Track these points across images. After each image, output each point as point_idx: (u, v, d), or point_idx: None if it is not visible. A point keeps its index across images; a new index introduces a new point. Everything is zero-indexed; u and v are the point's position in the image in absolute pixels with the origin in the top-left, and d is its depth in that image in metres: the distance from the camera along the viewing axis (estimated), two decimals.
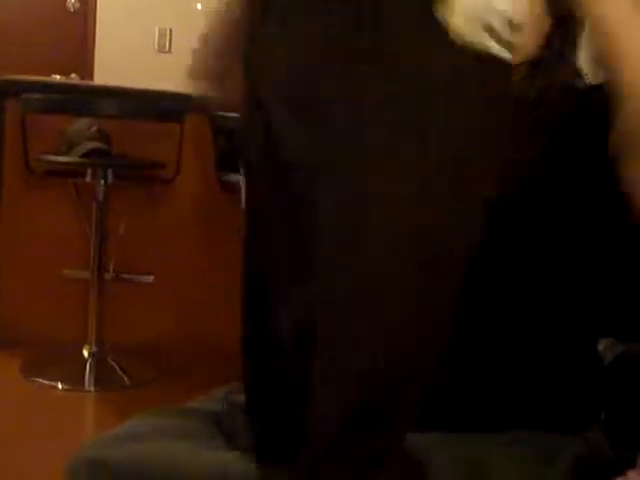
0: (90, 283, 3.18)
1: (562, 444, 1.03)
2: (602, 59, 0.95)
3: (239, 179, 2.86)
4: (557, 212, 1.04)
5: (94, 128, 3.16)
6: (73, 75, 4.78)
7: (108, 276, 3.21)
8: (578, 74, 1.13)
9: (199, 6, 4.87)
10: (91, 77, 4.91)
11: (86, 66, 4.93)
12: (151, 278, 3.32)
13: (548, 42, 1.08)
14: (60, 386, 3.01)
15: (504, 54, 0.85)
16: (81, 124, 3.18)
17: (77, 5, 4.93)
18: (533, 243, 1.04)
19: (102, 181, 3.11)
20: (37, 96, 3.10)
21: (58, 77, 4.53)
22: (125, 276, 3.29)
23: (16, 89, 3.26)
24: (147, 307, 3.39)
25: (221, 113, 2.86)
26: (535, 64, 1.08)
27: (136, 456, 0.97)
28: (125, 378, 3.11)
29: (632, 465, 0.93)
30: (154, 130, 3.23)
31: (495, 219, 0.91)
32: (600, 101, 0.99)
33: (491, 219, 0.86)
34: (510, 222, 1.02)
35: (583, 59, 1.15)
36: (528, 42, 1.05)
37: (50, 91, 3.29)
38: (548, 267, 1.05)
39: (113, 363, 3.17)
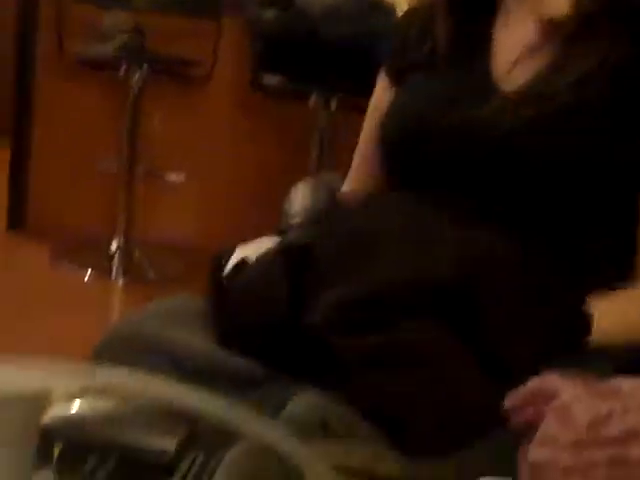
0: (120, 177, 3.21)
1: None
2: None
3: (274, 80, 2.84)
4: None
5: (131, 22, 3.13)
6: None
7: (139, 171, 3.22)
8: None
9: None
10: None
11: None
12: (182, 176, 3.33)
13: None
14: (88, 274, 3.07)
15: None
16: (116, 17, 3.15)
17: None
18: None
19: (136, 75, 3.09)
20: None
21: None
22: (156, 173, 3.30)
23: None
24: (176, 205, 3.41)
25: (261, 13, 2.83)
26: None
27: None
28: (151, 271, 3.16)
29: None
30: (190, 28, 3.19)
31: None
32: None
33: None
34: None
35: None
36: None
37: None
38: None
39: (140, 256, 3.21)
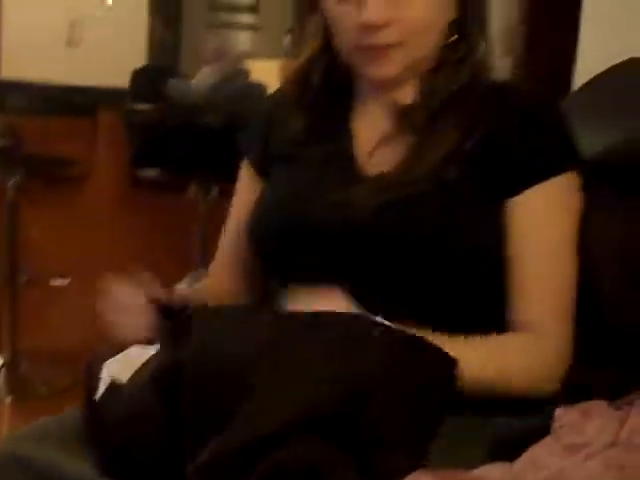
0: (2, 288, 3.07)
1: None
2: None
3: (153, 173, 2.79)
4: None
5: (3, 125, 3.04)
6: None
7: (21, 280, 3.09)
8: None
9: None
10: None
11: None
12: (66, 281, 3.21)
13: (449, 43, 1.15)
14: None
15: None
16: None
17: None
18: None
19: (12, 180, 2.99)
20: None
21: None
22: (40, 279, 3.17)
23: None
24: (63, 311, 3.28)
25: (135, 107, 2.79)
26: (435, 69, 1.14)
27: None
28: (40, 386, 3.01)
29: None
30: (66, 126, 3.12)
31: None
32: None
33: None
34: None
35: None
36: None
37: None
38: None
39: (28, 371, 3.05)
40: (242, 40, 5.63)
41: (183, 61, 5.65)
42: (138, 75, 2.88)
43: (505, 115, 1.12)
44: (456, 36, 1.14)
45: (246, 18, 5.62)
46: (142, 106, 2.78)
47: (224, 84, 2.67)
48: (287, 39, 5.68)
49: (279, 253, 1.18)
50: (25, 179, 3.00)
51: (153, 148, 2.77)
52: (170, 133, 2.72)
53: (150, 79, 2.85)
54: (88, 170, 3.03)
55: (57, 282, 3.20)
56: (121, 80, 3.67)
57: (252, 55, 5.47)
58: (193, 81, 2.75)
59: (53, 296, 3.23)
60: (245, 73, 2.76)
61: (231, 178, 2.65)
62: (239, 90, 2.68)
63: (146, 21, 4.78)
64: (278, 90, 1.33)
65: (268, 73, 3.21)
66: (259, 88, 2.77)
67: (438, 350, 0.98)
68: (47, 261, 3.21)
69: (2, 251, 3.03)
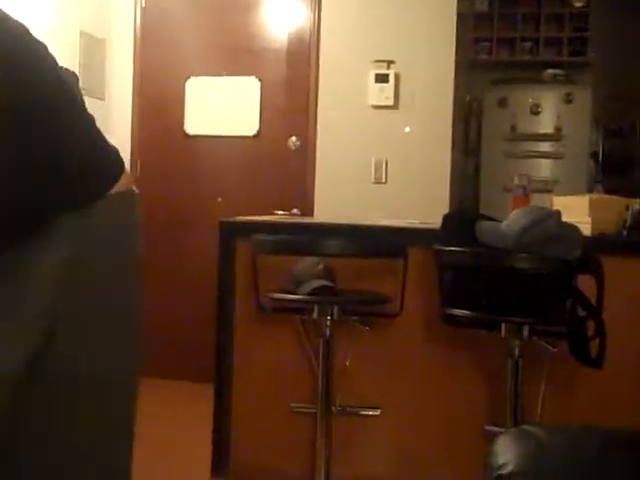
0: (318, 417, 3.22)
1: None
2: None
3: (464, 314, 2.84)
4: None
5: (320, 266, 3.26)
6: (295, 210, 5.02)
7: (335, 410, 3.24)
8: None
9: (407, 129, 5.00)
10: (311, 210, 5.11)
11: (307, 200, 5.14)
12: (378, 411, 3.31)
13: None
14: None
15: None
16: (307, 262, 3.29)
17: (298, 143, 5.19)
18: None
19: (328, 317, 3.18)
20: (266, 237, 3.26)
21: (281, 212, 4.78)
22: (352, 410, 3.30)
23: (246, 230, 3.44)
24: (374, 441, 3.37)
25: (446, 247, 2.88)
26: None
27: None
28: None
29: None
30: (378, 265, 3.28)
31: None
32: None
33: None
34: None
35: None
36: None
37: (278, 232, 3.44)
38: None
39: None
40: (544, 168, 5.66)
41: (483, 190, 5.78)
42: (448, 218, 2.98)
43: None
44: None
45: (547, 146, 5.66)
46: (452, 248, 2.85)
47: (535, 227, 2.68)
48: (591, 164, 5.64)
49: None
50: (340, 315, 3.19)
51: (463, 289, 2.83)
52: (481, 276, 2.77)
53: (460, 222, 2.94)
54: (400, 307, 3.15)
55: (369, 412, 3.31)
56: (429, 216, 3.81)
57: (555, 182, 5.48)
58: (504, 224, 2.79)
59: (365, 426, 3.35)
60: (556, 215, 2.75)
61: (547, 319, 2.65)
62: (551, 233, 2.68)
63: (449, 150, 4.98)
64: None
65: (576, 209, 3.19)
66: (572, 230, 2.75)
67: None
68: (359, 393, 3.34)
69: (319, 382, 3.20)
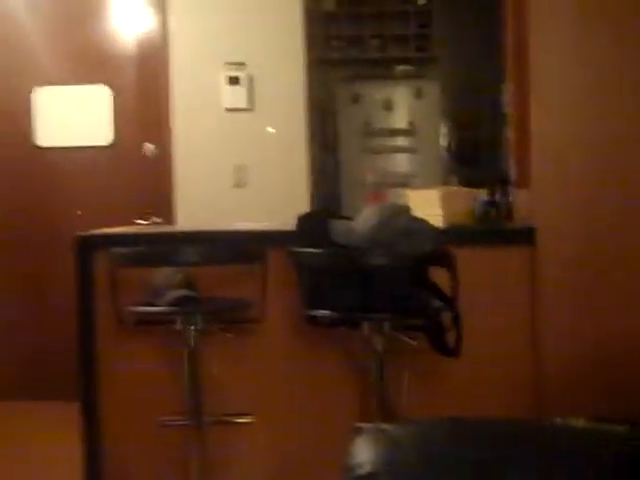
0: (188, 429, 3.19)
1: None
2: None
3: (326, 314, 2.87)
4: None
5: (179, 275, 3.23)
6: (156, 219, 4.95)
7: (205, 420, 3.21)
8: None
9: (271, 129, 5.02)
10: (173, 218, 5.05)
11: (167, 208, 5.08)
12: (250, 418, 3.31)
13: None
14: None
15: None
16: (166, 272, 3.25)
17: (154, 151, 5.12)
18: None
19: (191, 327, 3.15)
20: (123, 250, 3.20)
21: (142, 222, 4.71)
22: (224, 419, 3.28)
23: (103, 243, 3.38)
24: (250, 449, 3.37)
25: (300, 249, 2.90)
26: None
27: None
28: None
29: None
30: (238, 270, 3.27)
31: None
32: None
33: None
34: None
35: None
36: None
37: (136, 243, 3.38)
38: None
39: None
40: (400, 163, 5.79)
41: (344, 188, 5.86)
42: (302, 219, 3.00)
43: None
44: None
45: (401, 141, 5.79)
46: (306, 249, 2.88)
47: (386, 223, 2.74)
48: (444, 156, 5.80)
49: None
50: (203, 324, 3.16)
51: (322, 290, 2.86)
52: (337, 275, 2.81)
53: (314, 222, 2.96)
54: (262, 312, 3.15)
55: (241, 420, 3.30)
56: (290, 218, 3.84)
57: (411, 176, 5.62)
58: (355, 222, 2.83)
59: (237, 435, 3.34)
60: (406, 210, 2.82)
61: (404, 313, 2.71)
62: (402, 229, 2.74)
63: (306, 149, 5.03)
64: None
65: (428, 203, 3.27)
66: (423, 224, 2.82)
67: None
68: (228, 400, 3.32)
69: (185, 396, 3.17)
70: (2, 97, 5.19)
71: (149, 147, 5.09)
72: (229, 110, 5.06)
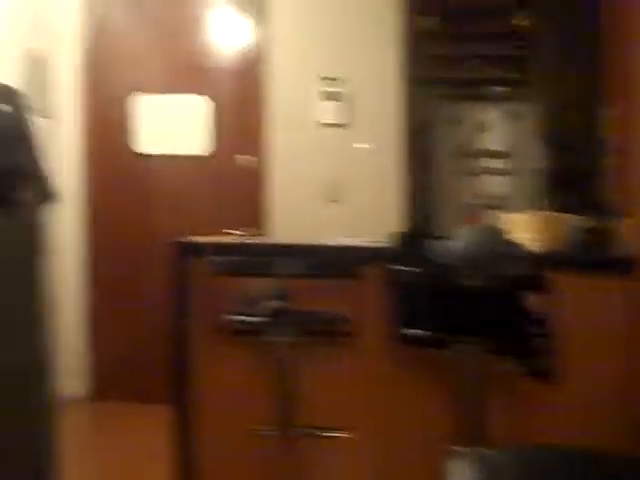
0: (278, 439, 3.24)
1: None
2: None
3: (419, 333, 2.88)
4: None
5: (275, 286, 3.28)
6: (249, 229, 5.03)
7: (296, 432, 3.25)
8: None
9: (364, 145, 5.05)
10: (266, 229, 5.13)
11: (261, 219, 5.16)
12: (338, 433, 3.33)
13: None
14: None
15: None
16: (262, 283, 3.31)
17: (251, 162, 5.21)
18: None
19: (285, 338, 3.20)
20: (222, 258, 3.28)
21: (235, 232, 4.79)
22: (314, 432, 3.31)
23: (200, 250, 3.45)
24: (338, 464, 3.39)
25: (398, 266, 2.92)
26: None
27: None
28: None
29: None
30: (332, 284, 3.31)
31: None
32: None
33: None
34: None
35: None
36: None
37: (232, 252, 3.45)
38: None
39: None
40: (494, 185, 5.75)
41: (436, 207, 5.85)
42: (400, 237, 3.02)
43: None
44: None
45: (496, 163, 5.75)
46: (403, 267, 2.90)
47: (483, 245, 2.74)
48: (539, 180, 5.73)
49: None
50: (296, 336, 3.21)
51: (417, 309, 2.88)
52: (433, 295, 2.82)
53: (411, 240, 2.98)
54: (356, 326, 3.18)
55: (331, 434, 3.32)
56: (382, 234, 3.85)
57: (505, 199, 5.57)
58: (453, 242, 2.84)
59: (328, 448, 3.37)
60: (502, 232, 2.82)
61: (499, 335, 2.70)
62: (497, 251, 2.74)
63: (399, 167, 5.05)
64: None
65: (523, 226, 3.25)
66: (518, 247, 2.81)
67: None
68: (319, 415, 3.36)
69: (277, 406, 3.22)
70: (105, 104, 5.36)
71: (244, 159, 5.18)
72: (325, 125, 5.12)
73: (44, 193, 1.58)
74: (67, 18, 5.33)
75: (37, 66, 5.07)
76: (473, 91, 6.08)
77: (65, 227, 5.13)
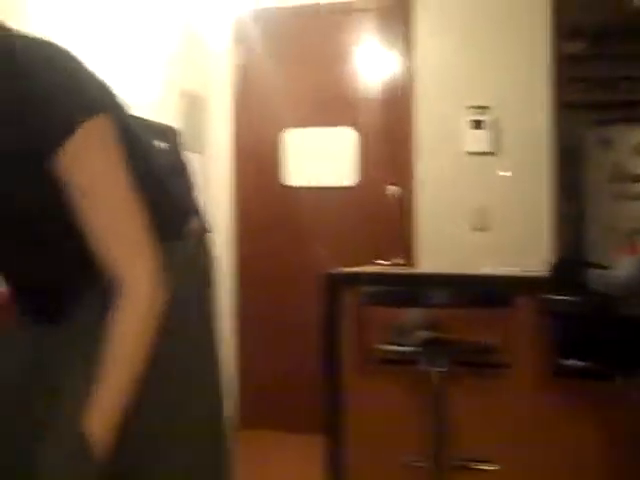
0: (429, 470, 3.20)
1: None
2: None
3: (579, 364, 2.79)
4: None
5: (426, 316, 3.26)
6: (396, 260, 5.02)
7: (448, 464, 3.20)
8: None
9: (505, 172, 4.97)
10: (413, 259, 5.11)
11: (408, 249, 5.15)
12: (492, 466, 3.26)
13: None
14: None
15: None
16: (413, 312, 3.30)
17: (397, 192, 5.22)
18: None
19: (437, 369, 3.17)
20: (374, 289, 3.29)
21: (382, 263, 4.79)
22: (466, 464, 3.26)
23: (350, 281, 3.48)
24: None
25: (556, 297, 2.85)
26: None
27: None
28: None
29: None
30: (484, 314, 3.26)
31: None
32: None
33: None
34: None
35: None
36: None
37: (382, 283, 3.46)
38: None
39: None
40: None
41: (588, 234, 5.68)
42: (557, 266, 2.95)
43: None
44: None
45: None
46: (563, 296, 2.83)
47: None
48: None
49: None
50: (449, 367, 3.17)
51: (578, 339, 2.79)
52: (595, 324, 2.73)
53: (569, 269, 2.91)
54: (509, 357, 3.11)
55: (484, 467, 3.26)
56: (531, 263, 3.76)
57: None
58: (614, 270, 2.75)
59: None
60: None
61: None
62: None
63: (549, 194, 4.93)
64: None
65: None
66: None
67: None
68: (469, 446, 3.30)
69: (430, 435, 3.18)
70: (254, 139, 5.51)
71: (393, 189, 5.20)
72: (471, 154, 5.07)
73: (201, 226, 1.63)
74: (219, 58, 5.52)
75: (194, 106, 5.27)
76: (625, 114, 5.89)
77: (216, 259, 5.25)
